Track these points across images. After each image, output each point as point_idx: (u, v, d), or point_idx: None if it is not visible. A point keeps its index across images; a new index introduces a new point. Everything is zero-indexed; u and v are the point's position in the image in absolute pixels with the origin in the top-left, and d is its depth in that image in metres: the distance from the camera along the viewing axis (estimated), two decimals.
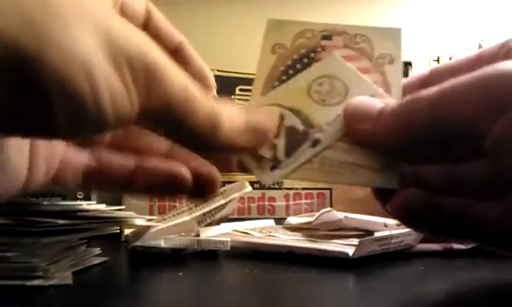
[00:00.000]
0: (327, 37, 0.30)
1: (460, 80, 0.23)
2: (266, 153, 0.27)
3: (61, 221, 0.29)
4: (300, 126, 0.28)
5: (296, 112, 0.28)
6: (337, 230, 0.43)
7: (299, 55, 0.30)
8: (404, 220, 0.27)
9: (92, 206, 0.33)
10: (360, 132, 0.27)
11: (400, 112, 0.25)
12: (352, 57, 0.30)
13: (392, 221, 0.40)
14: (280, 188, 0.60)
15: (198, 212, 0.41)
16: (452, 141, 0.24)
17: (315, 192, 0.61)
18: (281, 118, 0.28)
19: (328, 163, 0.27)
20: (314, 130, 0.28)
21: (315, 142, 0.28)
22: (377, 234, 0.37)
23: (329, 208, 0.43)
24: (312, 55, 0.30)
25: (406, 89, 0.29)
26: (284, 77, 0.29)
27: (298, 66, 0.30)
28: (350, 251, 0.34)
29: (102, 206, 0.34)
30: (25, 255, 0.29)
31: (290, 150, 0.28)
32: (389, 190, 0.27)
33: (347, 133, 0.27)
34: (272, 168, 0.27)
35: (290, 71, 0.30)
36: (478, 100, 0.22)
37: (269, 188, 0.60)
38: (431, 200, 0.26)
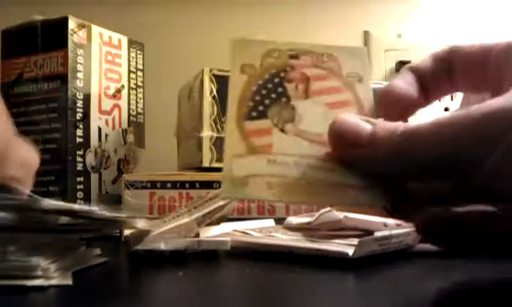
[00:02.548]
0: (294, 56, 0.31)
1: (455, 118, 0.25)
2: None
3: (61, 221, 0.29)
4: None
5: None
6: (337, 230, 0.43)
7: (270, 75, 0.30)
8: (430, 239, 0.30)
9: (92, 206, 0.33)
10: (350, 154, 0.27)
11: (397, 142, 0.26)
12: (323, 76, 0.30)
13: (391, 221, 0.40)
14: None
15: (198, 214, 0.41)
16: (443, 172, 0.26)
17: None
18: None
19: (317, 183, 0.27)
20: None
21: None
22: (377, 234, 0.37)
23: (329, 208, 0.43)
24: (282, 74, 0.30)
25: (428, 67, 0.31)
26: (257, 97, 0.29)
27: (270, 85, 0.30)
28: (350, 251, 0.34)
29: (102, 207, 0.34)
30: (25, 254, 0.29)
31: None
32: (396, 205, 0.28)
33: (334, 153, 0.27)
34: None
35: (263, 91, 0.30)
36: (471, 140, 0.24)
37: None
38: (449, 214, 0.29)
